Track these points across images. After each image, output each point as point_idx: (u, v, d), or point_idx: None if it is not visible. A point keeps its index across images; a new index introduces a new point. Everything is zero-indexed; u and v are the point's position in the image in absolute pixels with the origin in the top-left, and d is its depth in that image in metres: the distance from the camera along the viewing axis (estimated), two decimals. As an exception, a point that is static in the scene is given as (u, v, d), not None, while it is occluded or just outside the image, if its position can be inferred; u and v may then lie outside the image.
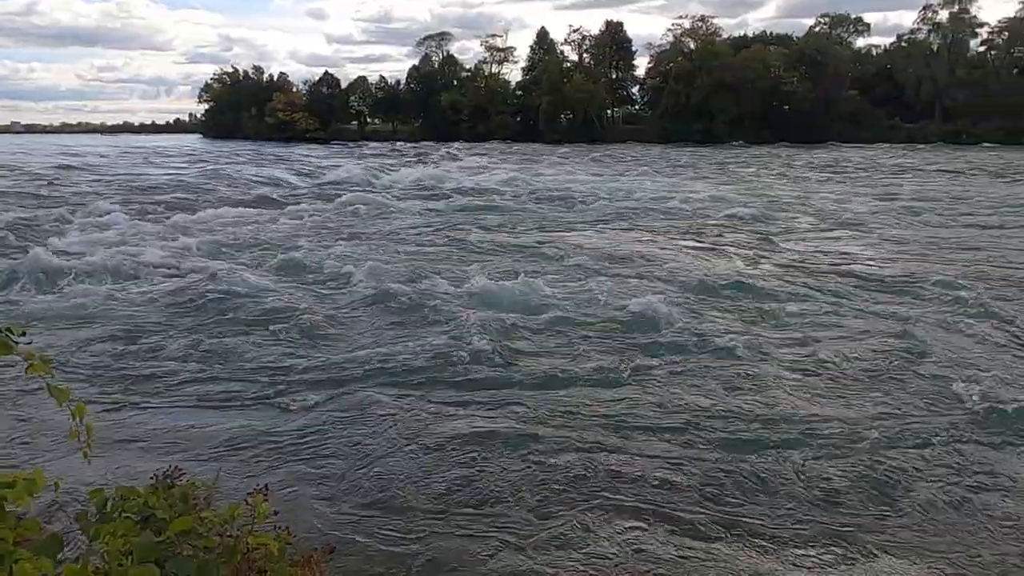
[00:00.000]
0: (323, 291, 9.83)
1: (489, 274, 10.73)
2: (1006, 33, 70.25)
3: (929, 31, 73.67)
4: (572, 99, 76.90)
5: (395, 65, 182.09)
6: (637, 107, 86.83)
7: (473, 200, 20.30)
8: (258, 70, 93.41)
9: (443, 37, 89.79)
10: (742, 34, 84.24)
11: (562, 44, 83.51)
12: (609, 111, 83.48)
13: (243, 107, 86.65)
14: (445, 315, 8.48)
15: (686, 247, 13.67)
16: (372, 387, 6.39)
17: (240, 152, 44.17)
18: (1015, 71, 68.84)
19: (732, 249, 13.34)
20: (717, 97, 70.40)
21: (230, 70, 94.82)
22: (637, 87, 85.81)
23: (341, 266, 11.05)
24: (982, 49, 72.41)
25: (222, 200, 20.23)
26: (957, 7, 71.78)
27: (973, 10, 71.65)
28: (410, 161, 39.36)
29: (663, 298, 9.08)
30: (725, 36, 79.42)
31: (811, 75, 71.85)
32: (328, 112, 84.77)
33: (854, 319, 8.69)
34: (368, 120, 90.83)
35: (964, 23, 71.80)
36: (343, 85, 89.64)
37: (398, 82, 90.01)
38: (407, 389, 6.38)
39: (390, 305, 9.00)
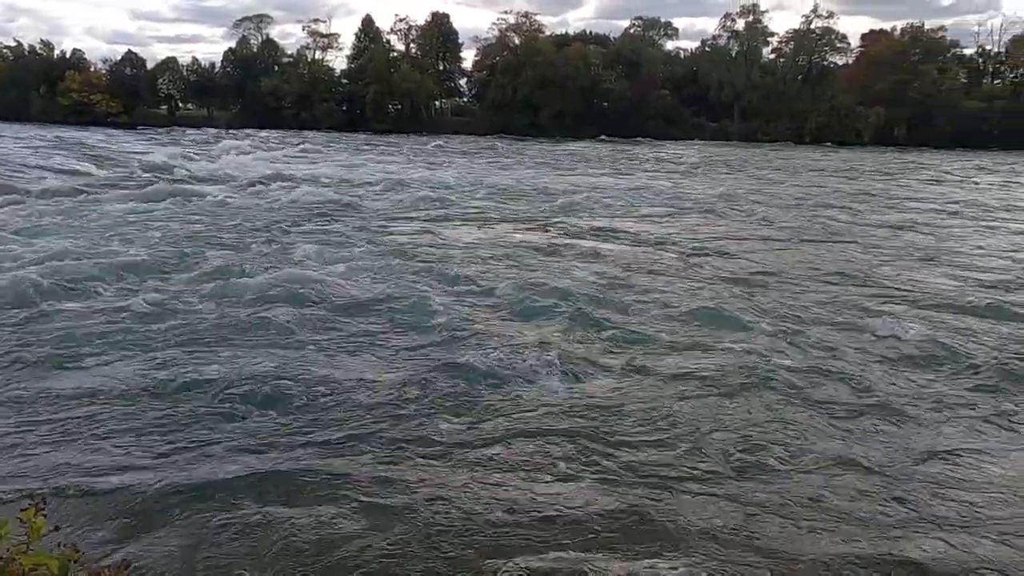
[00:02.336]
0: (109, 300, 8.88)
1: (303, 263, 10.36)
2: (792, 43, 78.23)
3: (729, 38, 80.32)
4: (400, 89, 76.11)
5: (210, 47, 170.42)
6: (465, 99, 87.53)
7: (311, 195, 19.18)
8: (47, 45, 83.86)
9: (262, 20, 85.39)
10: (564, 32, 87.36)
11: (388, 33, 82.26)
12: (437, 102, 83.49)
13: (30, 86, 77.52)
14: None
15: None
16: (179, 400, 5.96)
17: (23, 136, 39.49)
18: (800, 78, 76.82)
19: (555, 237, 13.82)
20: (542, 92, 72.71)
21: (12, 44, 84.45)
22: (465, 79, 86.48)
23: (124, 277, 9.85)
24: (772, 57, 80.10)
25: None
26: (752, 17, 78.90)
27: (765, 20, 79.16)
28: (220, 147, 37.08)
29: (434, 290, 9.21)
30: (548, 33, 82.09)
31: (627, 74, 76.04)
32: (133, 95, 77.84)
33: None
34: (180, 105, 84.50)
35: (758, 32, 78.97)
36: (150, 66, 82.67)
37: (213, 65, 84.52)
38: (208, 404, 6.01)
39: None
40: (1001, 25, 74.18)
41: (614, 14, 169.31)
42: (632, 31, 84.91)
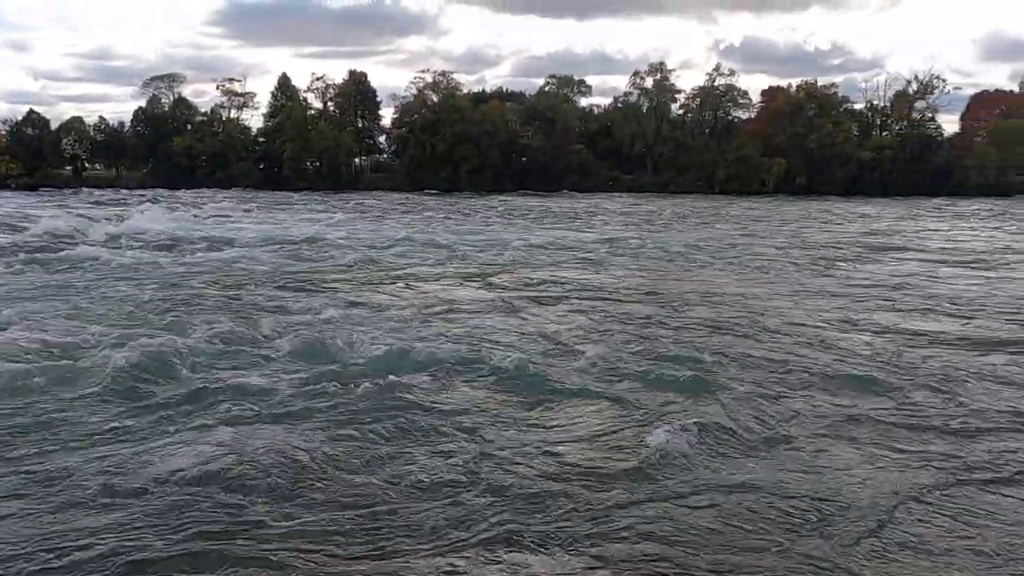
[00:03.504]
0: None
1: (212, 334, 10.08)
2: (698, 99, 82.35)
3: (639, 94, 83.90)
4: (318, 146, 75.96)
5: (118, 106, 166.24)
6: (385, 156, 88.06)
7: (212, 254, 18.98)
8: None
9: (174, 78, 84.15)
10: (481, 90, 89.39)
11: (305, 91, 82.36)
12: (357, 159, 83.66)
13: (-79, 148, 73.83)
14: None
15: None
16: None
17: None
18: (707, 131, 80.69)
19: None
20: (460, 148, 73.94)
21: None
22: (384, 136, 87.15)
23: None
24: (681, 112, 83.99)
25: None
26: (660, 75, 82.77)
27: (672, 78, 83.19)
28: (133, 209, 36.07)
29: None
30: (466, 91, 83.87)
31: (544, 130, 78.26)
32: (36, 155, 75.07)
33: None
34: (87, 165, 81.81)
35: (666, 89, 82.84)
36: (54, 125, 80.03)
37: (122, 124, 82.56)
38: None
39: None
40: (885, 81, 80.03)
41: (529, 72, 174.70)
42: (547, 88, 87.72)
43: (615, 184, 73.24)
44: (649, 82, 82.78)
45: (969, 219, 39.54)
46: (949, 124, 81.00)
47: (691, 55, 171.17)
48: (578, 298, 13.62)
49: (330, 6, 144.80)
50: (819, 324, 11.53)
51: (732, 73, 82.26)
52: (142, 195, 53.35)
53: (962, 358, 9.55)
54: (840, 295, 14.34)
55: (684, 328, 11.13)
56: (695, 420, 6.82)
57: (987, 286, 15.83)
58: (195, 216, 32.74)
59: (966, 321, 11.98)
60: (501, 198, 55.70)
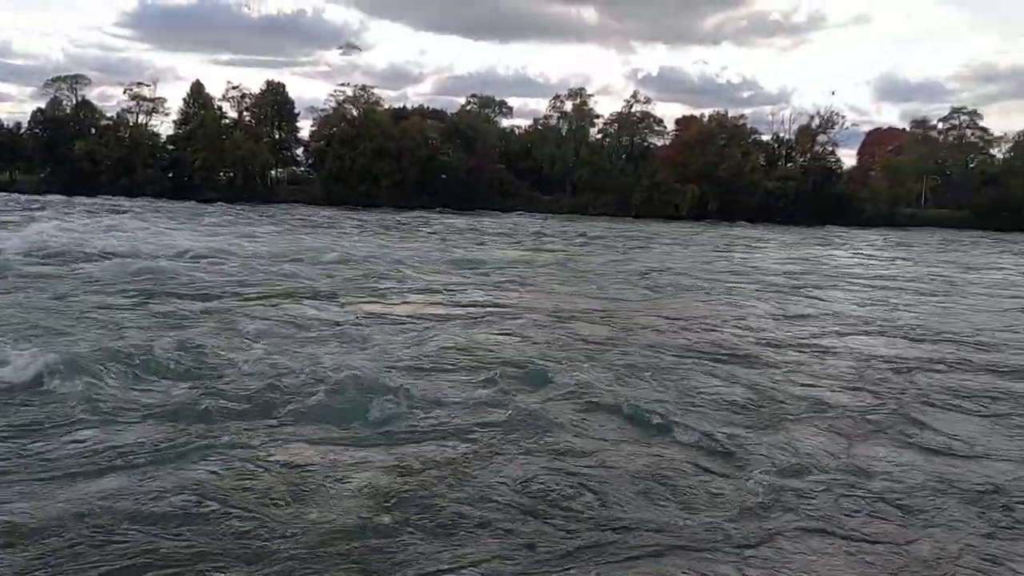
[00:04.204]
0: None
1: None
2: (616, 124, 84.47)
3: (559, 118, 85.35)
4: (232, 156, 73.82)
5: (17, 106, 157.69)
6: (302, 169, 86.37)
7: (128, 268, 17.74)
8: None
9: (77, 80, 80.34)
10: (402, 106, 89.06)
11: (220, 99, 80.00)
12: (273, 171, 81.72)
13: None
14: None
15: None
16: None
17: None
18: (624, 156, 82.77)
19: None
20: (380, 163, 73.29)
21: None
22: (301, 149, 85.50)
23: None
24: (599, 136, 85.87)
25: None
26: (579, 100, 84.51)
27: (591, 103, 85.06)
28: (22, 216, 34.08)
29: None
30: (387, 106, 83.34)
31: (465, 148, 78.51)
32: (-80, 156, 70.15)
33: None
34: (-23, 166, 76.97)
35: (585, 113, 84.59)
36: (-57, 125, 75.01)
37: (19, 125, 78.12)
38: None
39: None
40: (790, 115, 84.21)
41: (451, 91, 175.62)
42: (469, 108, 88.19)
43: (535, 205, 74.03)
44: (569, 106, 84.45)
45: (875, 247, 41.94)
46: (847, 158, 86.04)
47: (610, 82, 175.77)
48: (466, 318, 13.63)
49: (249, 14, 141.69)
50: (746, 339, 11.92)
51: (648, 101, 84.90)
52: (37, 200, 50.51)
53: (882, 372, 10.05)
54: (783, 317, 14.92)
55: (589, 344, 11.29)
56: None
57: (896, 307, 16.83)
58: (84, 226, 31.08)
59: (886, 339, 12.68)
60: (420, 214, 55.42)
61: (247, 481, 5.68)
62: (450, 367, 9.34)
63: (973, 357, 11.42)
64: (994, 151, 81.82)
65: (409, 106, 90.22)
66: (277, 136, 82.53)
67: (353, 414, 7.27)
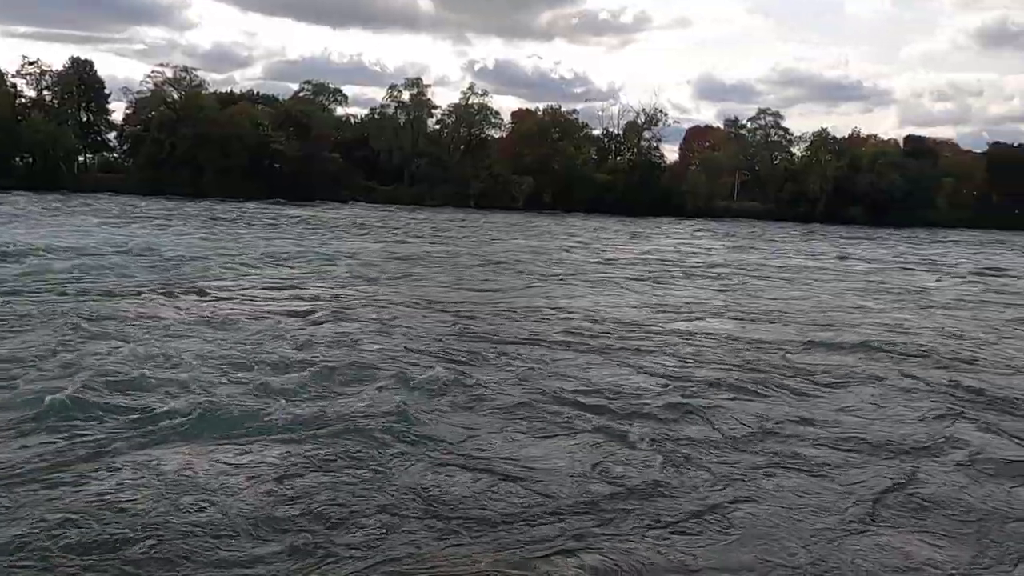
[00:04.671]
0: None
1: None
2: (454, 116, 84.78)
3: (396, 107, 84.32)
4: (30, 140, 66.40)
5: None
6: (115, 155, 79.34)
7: None
8: None
9: None
10: (229, 90, 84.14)
11: (14, 76, 71.62)
12: (81, 157, 74.47)
13: None
14: None
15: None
16: None
17: None
18: (462, 148, 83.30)
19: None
20: (205, 150, 68.80)
21: None
22: (114, 133, 78.48)
23: None
24: (437, 127, 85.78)
25: None
26: (416, 90, 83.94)
27: (429, 94, 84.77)
28: None
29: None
30: (212, 90, 78.38)
31: (298, 136, 75.46)
32: None
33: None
34: None
35: (423, 104, 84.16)
36: None
37: None
38: None
39: None
40: (619, 112, 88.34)
41: (283, 76, 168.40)
42: (302, 94, 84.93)
43: (373, 195, 72.82)
44: (406, 96, 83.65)
45: (700, 237, 45.14)
46: (670, 153, 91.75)
47: (447, 73, 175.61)
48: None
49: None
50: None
51: (486, 93, 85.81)
52: None
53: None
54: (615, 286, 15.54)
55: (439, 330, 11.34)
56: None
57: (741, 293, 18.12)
58: None
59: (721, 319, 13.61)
60: (251, 206, 52.77)
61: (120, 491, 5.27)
62: (304, 365, 9.07)
63: (815, 335, 12.82)
64: (794, 149, 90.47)
65: (237, 90, 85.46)
66: (85, 119, 75.27)
67: (215, 416, 6.96)
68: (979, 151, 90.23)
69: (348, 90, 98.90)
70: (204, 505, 5.20)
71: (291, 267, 19.26)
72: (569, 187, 76.16)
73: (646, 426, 7.51)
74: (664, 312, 14.81)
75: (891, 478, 6.45)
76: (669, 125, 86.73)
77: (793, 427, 7.76)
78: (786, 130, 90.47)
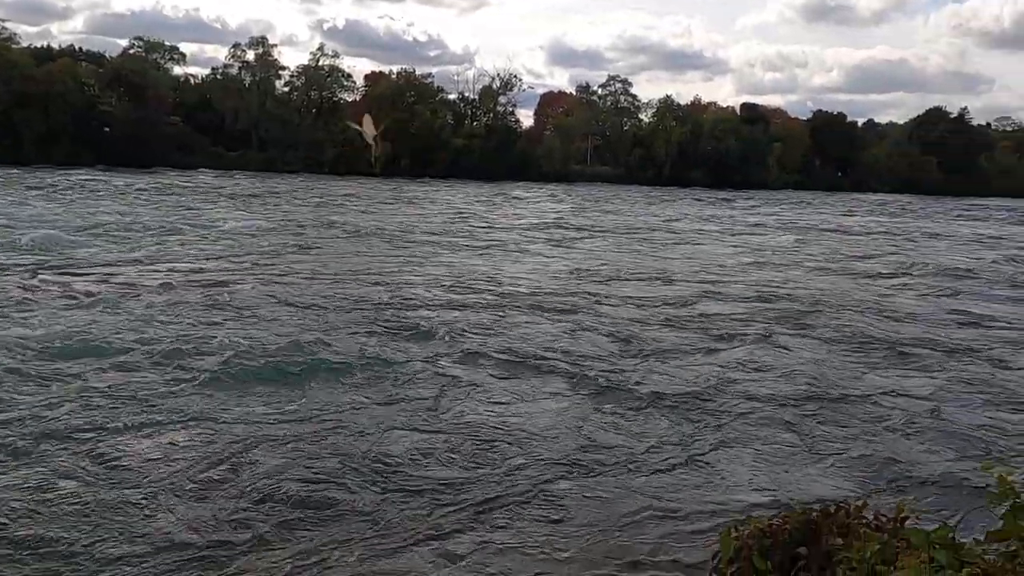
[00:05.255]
0: None
1: None
2: (303, 78, 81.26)
3: (240, 68, 79.68)
4: None
5: None
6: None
7: None
8: None
9: None
10: (46, 45, 76.27)
11: None
12: None
13: None
14: None
15: None
16: None
17: None
18: (313, 111, 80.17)
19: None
20: (21, 112, 62.08)
21: None
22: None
23: None
24: (287, 89, 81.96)
25: None
26: (262, 50, 79.65)
27: (275, 54, 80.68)
28: None
29: None
30: (26, 45, 70.65)
31: (131, 97, 69.67)
32: None
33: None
34: None
35: (269, 64, 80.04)
36: None
37: None
38: None
39: None
40: (474, 76, 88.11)
41: (109, 31, 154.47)
42: (133, 51, 78.24)
43: (219, 161, 68.65)
44: (251, 56, 79.27)
45: (567, 201, 46.27)
46: (525, 119, 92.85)
47: (294, 32, 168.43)
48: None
49: None
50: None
51: (336, 55, 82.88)
52: None
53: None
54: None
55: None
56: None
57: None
58: None
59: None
60: (80, 173, 48.33)
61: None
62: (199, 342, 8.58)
63: (716, 291, 13.67)
64: (643, 116, 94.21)
65: (56, 45, 77.57)
66: None
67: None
68: (804, 118, 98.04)
69: (185, 48, 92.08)
70: (127, 490, 4.92)
71: (164, 242, 17.83)
72: (426, 152, 75.48)
73: (592, 384, 7.83)
74: (575, 275, 15.27)
75: (812, 419, 7.14)
76: (524, 91, 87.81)
77: (721, 376, 8.39)
78: (635, 97, 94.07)
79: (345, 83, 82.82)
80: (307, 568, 4.21)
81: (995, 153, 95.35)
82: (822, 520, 3.14)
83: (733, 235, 27.25)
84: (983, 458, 5.90)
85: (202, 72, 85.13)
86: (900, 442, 6.53)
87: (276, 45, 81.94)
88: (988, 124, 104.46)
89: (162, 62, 79.58)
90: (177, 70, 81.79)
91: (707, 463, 5.96)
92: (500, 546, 4.60)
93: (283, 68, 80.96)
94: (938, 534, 2.61)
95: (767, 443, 6.40)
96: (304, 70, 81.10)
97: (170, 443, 5.78)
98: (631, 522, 4.93)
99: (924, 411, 7.33)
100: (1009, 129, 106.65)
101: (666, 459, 5.96)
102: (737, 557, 3.08)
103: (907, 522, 3.04)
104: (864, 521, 3.10)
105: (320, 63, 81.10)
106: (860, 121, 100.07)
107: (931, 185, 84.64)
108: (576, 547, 4.62)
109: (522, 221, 29.48)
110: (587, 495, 5.30)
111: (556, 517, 5.01)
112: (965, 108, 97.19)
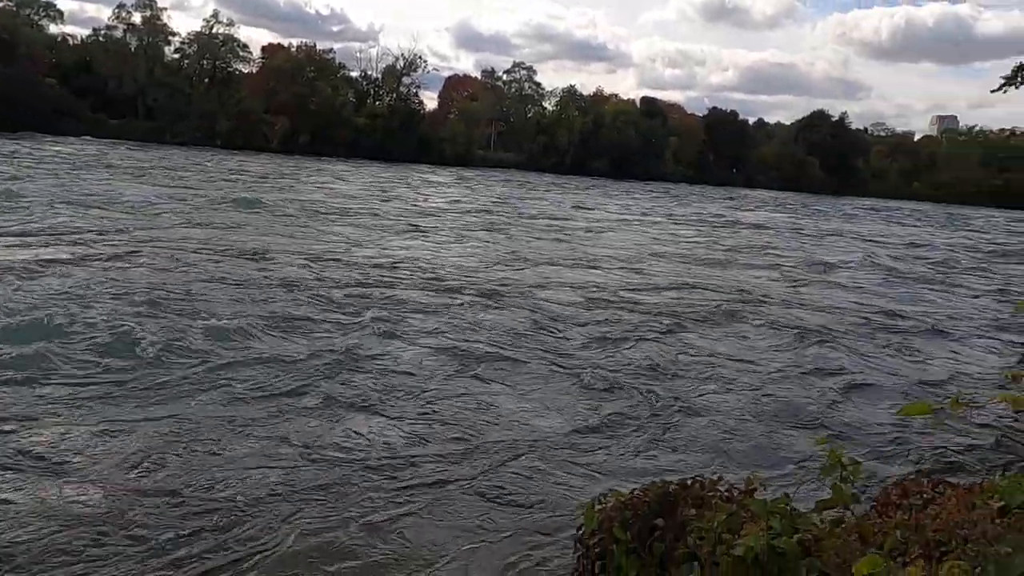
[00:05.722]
0: None
1: None
2: (196, 45, 77.29)
3: (125, 30, 75.02)
4: None
5: None
6: None
7: None
8: None
9: None
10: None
11: None
12: None
13: None
14: None
15: None
16: None
17: None
18: (206, 81, 76.44)
19: None
20: None
21: None
22: None
23: None
24: (177, 56, 77.77)
25: None
26: (150, 13, 75.15)
27: (165, 18, 76.32)
28: None
29: None
30: None
31: (1, 57, 64.19)
32: None
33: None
34: None
35: (158, 28, 75.68)
36: None
37: None
38: None
39: None
40: (378, 55, 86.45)
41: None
42: (3, 5, 72.08)
43: (100, 128, 64.36)
44: (137, 18, 74.81)
45: (480, 187, 46.15)
46: (429, 101, 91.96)
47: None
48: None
49: None
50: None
51: (232, 23, 79.23)
52: None
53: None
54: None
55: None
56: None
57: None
58: None
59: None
60: None
61: None
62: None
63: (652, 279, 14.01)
64: (546, 104, 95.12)
65: (-92, -6, 70.34)
66: None
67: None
68: (701, 114, 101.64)
69: (64, 5, 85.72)
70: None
71: (44, 215, 16.47)
72: (327, 129, 73.52)
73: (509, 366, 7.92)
74: (512, 262, 15.36)
75: (765, 392, 7.53)
76: (428, 72, 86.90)
77: (675, 357, 8.68)
78: (539, 84, 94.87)
79: (241, 53, 79.48)
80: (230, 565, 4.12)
81: (870, 157, 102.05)
82: (679, 492, 3.32)
83: (641, 224, 28.27)
84: (825, 434, 6.44)
85: (82, 32, 79.63)
86: (749, 424, 7.03)
87: (165, 9, 77.63)
88: (865, 129, 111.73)
89: (36, 19, 73.83)
90: (53, 28, 76.18)
91: (599, 445, 6.20)
92: (432, 524, 4.72)
93: (173, 34, 76.95)
94: (775, 504, 2.83)
95: (655, 427, 6.71)
96: (196, 37, 77.24)
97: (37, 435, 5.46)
98: (558, 499, 5.14)
99: (772, 393, 7.91)
100: (883, 135, 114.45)
101: (575, 441, 6.21)
102: (600, 529, 3.23)
103: (755, 493, 3.26)
104: (718, 493, 3.30)
105: (214, 31, 77.42)
106: (751, 120, 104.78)
107: (813, 184, 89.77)
108: (506, 524, 4.79)
109: (431, 204, 29.40)
110: (517, 475, 5.45)
111: (490, 496, 5.14)
112: (845, 113, 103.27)
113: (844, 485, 2.77)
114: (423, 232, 19.69)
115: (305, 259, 13.49)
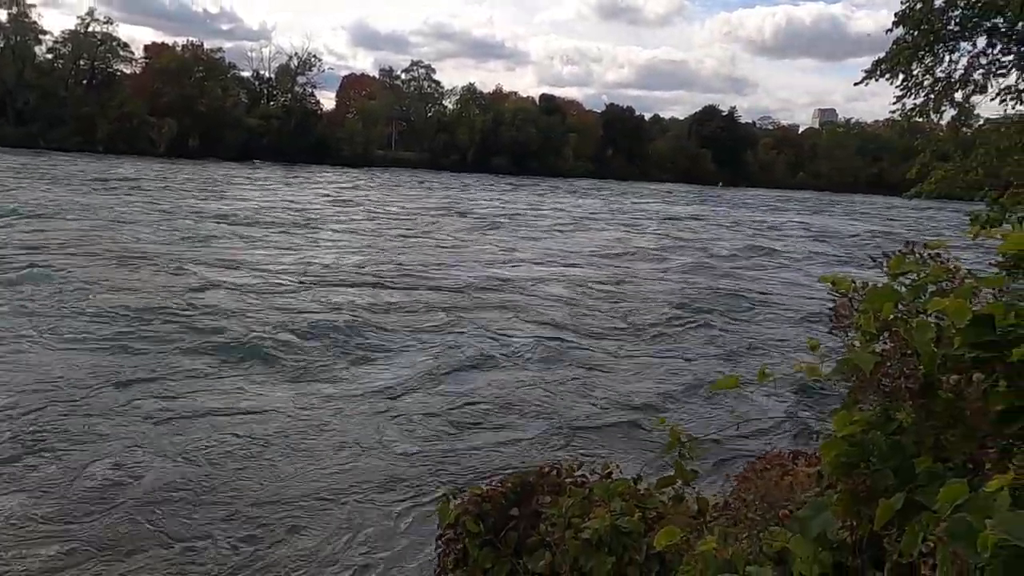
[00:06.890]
0: None
1: None
2: (70, 44, 72.72)
3: (-10, 28, 69.83)
4: None
5: None
6: None
7: None
8: None
9: None
10: None
11: None
12: None
13: None
14: None
15: None
16: None
17: None
18: (84, 82, 72.12)
19: None
20: None
21: None
22: None
23: None
24: (50, 57, 73.02)
25: None
26: (17, 9, 70.25)
27: (34, 15, 71.50)
28: None
29: None
30: None
31: None
32: None
33: None
34: None
35: (27, 27, 70.85)
36: None
37: None
38: None
39: None
40: (271, 55, 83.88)
41: None
42: None
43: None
44: (3, 15, 69.67)
45: (392, 188, 45.22)
46: (327, 100, 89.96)
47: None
48: None
49: None
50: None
51: (110, 21, 75.04)
52: None
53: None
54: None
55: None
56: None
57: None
58: None
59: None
60: None
61: None
62: None
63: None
64: (447, 102, 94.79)
65: None
66: None
67: None
68: (599, 111, 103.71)
69: (-83, 1, 78.72)
70: None
71: None
72: (217, 131, 70.78)
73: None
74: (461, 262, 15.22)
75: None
76: (324, 71, 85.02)
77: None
78: (438, 83, 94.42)
79: (122, 53, 75.39)
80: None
81: (758, 150, 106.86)
82: (537, 480, 3.33)
83: (547, 216, 28.72)
84: (667, 414, 6.73)
85: (-59, 31, 73.37)
86: (582, 406, 7.29)
87: (35, 6, 72.67)
88: (753, 123, 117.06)
89: None
90: (-94, 26, 70.01)
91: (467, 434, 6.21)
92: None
93: (44, 32, 72.14)
94: (619, 484, 2.87)
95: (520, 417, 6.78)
96: (71, 36, 72.70)
97: None
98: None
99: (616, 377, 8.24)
100: (769, 128, 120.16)
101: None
102: (455, 523, 3.19)
103: (612, 475, 3.31)
104: (574, 479, 3.33)
105: (90, 29, 73.12)
106: (647, 116, 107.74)
107: (706, 176, 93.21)
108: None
109: (336, 207, 28.92)
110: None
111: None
112: (734, 107, 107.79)
113: (683, 462, 2.84)
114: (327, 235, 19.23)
115: (204, 271, 12.90)
